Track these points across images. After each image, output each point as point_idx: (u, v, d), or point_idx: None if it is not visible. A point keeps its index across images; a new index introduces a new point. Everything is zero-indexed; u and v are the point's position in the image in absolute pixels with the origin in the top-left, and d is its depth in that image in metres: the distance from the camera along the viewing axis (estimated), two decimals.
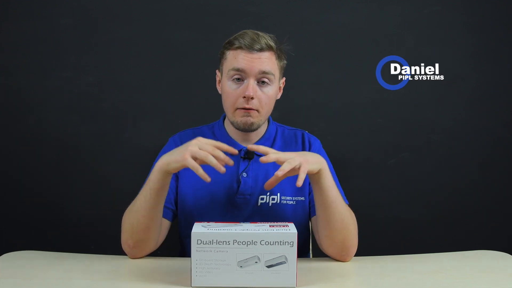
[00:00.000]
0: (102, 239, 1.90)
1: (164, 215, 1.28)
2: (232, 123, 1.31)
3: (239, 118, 1.28)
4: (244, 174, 1.32)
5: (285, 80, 1.40)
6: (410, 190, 1.94)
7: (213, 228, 1.03)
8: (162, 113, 1.90)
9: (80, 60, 1.88)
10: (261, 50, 1.25)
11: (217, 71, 1.36)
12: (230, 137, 1.36)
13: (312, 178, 1.16)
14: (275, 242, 1.00)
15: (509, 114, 1.93)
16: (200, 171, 1.06)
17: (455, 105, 1.93)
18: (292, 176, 1.17)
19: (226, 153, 1.11)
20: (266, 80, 1.27)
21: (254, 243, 1.00)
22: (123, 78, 1.89)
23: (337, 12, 1.89)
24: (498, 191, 1.95)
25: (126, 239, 1.23)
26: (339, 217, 1.18)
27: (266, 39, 1.27)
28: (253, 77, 1.25)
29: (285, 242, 1.00)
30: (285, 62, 1.35)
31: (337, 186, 1.35)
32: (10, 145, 1.90)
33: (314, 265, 1.20)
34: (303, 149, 1.37)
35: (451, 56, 1.91)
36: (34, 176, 1.90)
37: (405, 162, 1.94)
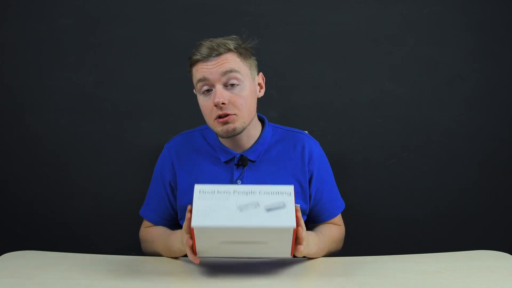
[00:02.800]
0: (102, 239, 1.90)
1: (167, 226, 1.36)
2: (217, 134, 1.29)
3: (220, 128, 1.24)
4: (239, 182, 1.30)
5: (262, 74, 1.35)
6: (410, 190, 1.94)
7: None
8: (162, 113, 1.90)
9: (80, 60, 1.88)
10: (219, 55, 1.22)
11: (194, 90, 1.33)
12: (223, 145, 1.33)
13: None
14: (274, 192, 1.04)
15: (509, 114, 1.93)
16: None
17: (455, 105, 1.93)
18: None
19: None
20: (233, 81, 1.23)
21: (253, 192, 1.04)
22: (123, 78, 1.89)
23: (337, 12, 1.89)
24: (498, 191, 1.95)
25: (142, 247, 1.36)
26: (325, 255, 1.27)
27: (223, 43, 1.23)
28: (218, 82, 1.22)
29: (283, 192, 1.05)
30: (254, 58, 1.30)
31: (334, 188, 1.39)
32: (10, 145, 1.90)
33: (314, 265, 1.20)
34: (302, 160, 1.33)
35: (451, 56, 1.91)
36: (34, 176, 1.90)
37: (405, 162, 1.94)
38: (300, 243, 1.07)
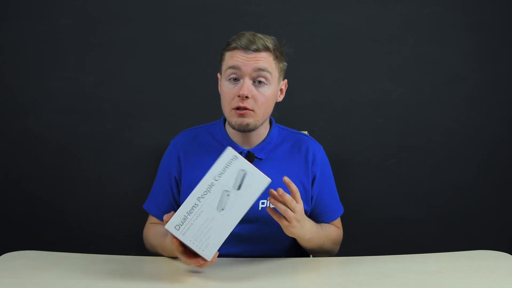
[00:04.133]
0: (102, 239, 1.90)
1: None
2: (229, 123, 1.31)
3: (235, 119, 1.27)
4: None
5: (286, 81, 1.39)
6: (410, 190, 1.94)
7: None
8: (162, 113, 1.90)
9: (80, 60, 1.88)
10: (257, 50, 1.25)
11: (218, 74, 1.36)
12: (230, 139, 1.35)
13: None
14: (223, 169, 1.03)
15: (509, 114, 1.93)
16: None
17: (455, 105, 1.93)
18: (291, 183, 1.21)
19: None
20: (262, 79, 1.25)
21: (212, 185, 1.03)
22: (123, 78, 1.89)
23: (337, 12, 1.89)
24: (498, 191, 1.95)
25: (145, 245, 1.36)
26: (316, 248, 1.28)
27: (263, 40, 1.26)
28: (248, 75, 1.25)
29: (229, 161, 1.04)
30: (285, 64, 1.34)
31: (334, 193, 1.40)
32: (10, 145, 1.90)
33: (314, 265, 1.20)
34: (306, 162, 1.35)
35: (451, 56, 1.91)
36: (34, 176, 1.90)
37: (405, 162, 1.94)
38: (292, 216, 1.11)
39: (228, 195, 1.03)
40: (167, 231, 1.03)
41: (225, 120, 1.41)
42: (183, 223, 1.01)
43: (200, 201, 1.02)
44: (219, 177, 1.03)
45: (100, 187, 1.91)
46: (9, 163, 1.91)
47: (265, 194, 1.29)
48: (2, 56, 1.88)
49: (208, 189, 1.02)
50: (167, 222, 1.04)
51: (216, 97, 1.84)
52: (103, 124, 1.90)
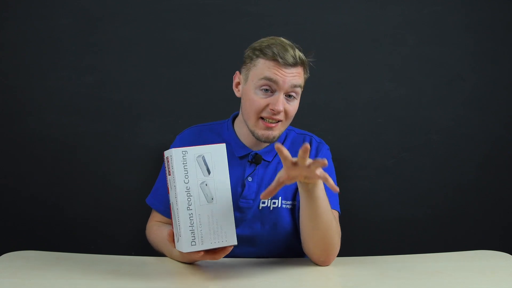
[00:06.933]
0: (102, 239, 1.90)
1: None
2: (252, 132, 1.29)
3: (261, 130, 1.26)
4: (249, 179, 1.31)
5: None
6: (410, 190, 1.94)
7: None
8: (162, 113, 1.90)
9: (80, 60, 1.88)
10: (295, 65, 1.24)
11: (237, 72, 1.33)
12: (239, 140, 1.35)
13: (305, 187, 1.11)
14: (185, 171, 1.02)
15: (509, 114, 1.93)
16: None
17: (455, 105, 1.93)
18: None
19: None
20: (293, 94, 1.26)
21: (188, 189, 1.02)
22: (123, 78, 1.89)
23: (337, 12, 1.89)
24: (498, 191, 1.95)
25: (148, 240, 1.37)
26: (324, 226, 1.16)
27: (300, 55, 1.26)
28: (283, 90, 1.24)
29: (182, 159, 1.02)
30: (308, 75, 1.34)
31: (334, 194, 1.35)
32: (9, 145, 1.90)
33: (314, 265, 1.20)
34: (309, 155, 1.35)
35: (451, 56, 1.91)
36: (34, 176, 1.90)
37: (405, 162, 1.94)
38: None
39: (206, 184, 1.03)
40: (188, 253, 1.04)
41: (233, 119, 1.40)
42: (194, 237, 1.01)
43: (191, 209, 1.02)
44: (187, 177, 1.02)
45: (100, 187, 1.91)
46: (9, 163, 1.90)
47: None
48: (2, 56, 1.88)
49: (188, 194, 1.02)
50: (171, 240, 1.06)
51: (216, 97, 1.85)
52: (103, 124, 1.90)
